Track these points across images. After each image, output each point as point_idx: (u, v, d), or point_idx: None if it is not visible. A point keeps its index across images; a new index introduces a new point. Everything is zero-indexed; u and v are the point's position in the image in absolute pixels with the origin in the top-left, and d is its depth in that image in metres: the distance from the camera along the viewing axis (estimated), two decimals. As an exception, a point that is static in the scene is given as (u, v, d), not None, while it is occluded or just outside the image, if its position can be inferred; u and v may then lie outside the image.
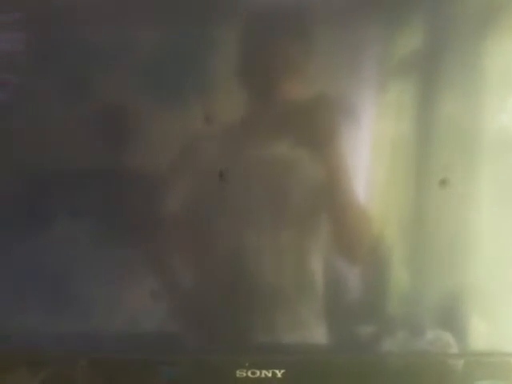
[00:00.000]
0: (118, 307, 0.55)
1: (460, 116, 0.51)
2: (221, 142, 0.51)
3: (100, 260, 0.53)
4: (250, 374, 0.53)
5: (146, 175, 0.52)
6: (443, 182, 0.51)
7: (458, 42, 0.50)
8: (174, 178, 0.52)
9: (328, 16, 0.49)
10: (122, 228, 0.53)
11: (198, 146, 0.51)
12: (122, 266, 0.54)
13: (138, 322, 0.54)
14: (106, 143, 0.51)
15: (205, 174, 0.52)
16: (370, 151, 0.52)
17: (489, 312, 0.56)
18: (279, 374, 0.53)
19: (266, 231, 0.53)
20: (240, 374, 0.53)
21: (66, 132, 0.51)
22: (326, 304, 0.55)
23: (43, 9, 0.49)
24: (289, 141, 0.51)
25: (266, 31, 0.50)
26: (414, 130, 0.52)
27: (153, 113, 0.50)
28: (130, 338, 0.55)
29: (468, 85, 0.50)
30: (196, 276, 0.55)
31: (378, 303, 0.55)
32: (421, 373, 0.55)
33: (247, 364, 0.53)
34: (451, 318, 0.55)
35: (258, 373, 0.53)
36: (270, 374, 0.53)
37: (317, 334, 0.55)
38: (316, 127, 0.51)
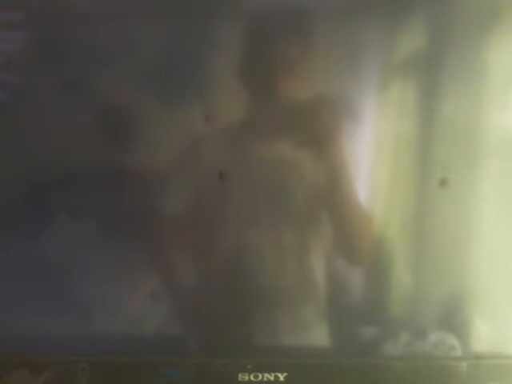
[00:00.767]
0: (119, 309, 0.54)
1: (460, 116, 0.51)
2: (221, 142, 0.51)
3: (100, 262, 0.53)
4: (252, 377, 0.53)
5: (147, 175, 0.52)
6: (443, 182, 0.51)
7: (458, 42, 0.49)
8: (175, 179, 0.52)
9: (329, 16, 0.49)
10: (122, 229, 0.53)
11: (199, 147, 0.51)
12: (123, 268, 0.54)
13: (139, 325, 0.54)
14: (107, 143, 0.51)
15: (205, 175, 0.52)
16: (370, 151, 0.52)
17: (492, 314, 0.56)
18: (282, 377, 0.53)
19: (266, 232, 0.53)
20: (242, 377, 0.53)
21: (67, 132, 0.51)
22: (329, 306, 0.55)
23: (43, 9, 0.49)
24: (290, 141, 0.51)
25: (267, 31, 0.50)
26: (415, 129, 0.52)
27: (153, 113, 0.50)
28: (130, 340, 0.55)
29: (468, 85, 0.50)
30: (197, 278, 0.55)
31: (380, 305, 0.55)
32: (424, 376, 0.55)
33: (249, 367, 0.53)
34: (454, 320, 0.55)
35: (260, 376, 0.53)
36: (272, 378, 0.53)
37: (319, 336, 0.55)
38: (317, 127, 0.51)
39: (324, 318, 0.55)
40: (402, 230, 0.54)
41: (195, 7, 0.49)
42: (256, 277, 0.54)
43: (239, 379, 0.53)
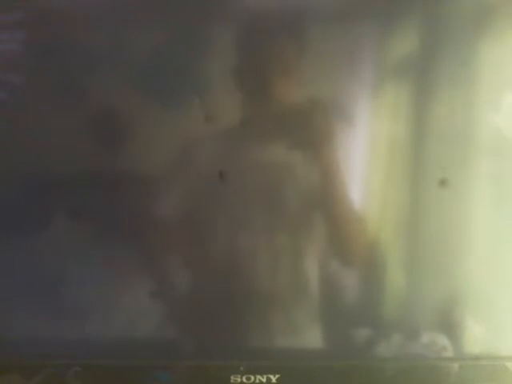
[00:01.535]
0: (112, 313, 0.54)
1: (457, 116, 0.51)
2: (220, 142, 0.51)
3: (94, 266, 0.53)
4: (244, 379, 0.53)
5: (145, 177, 0.52)
6: (442, 183, 0.51)
7: (454, 44, 0.50)
8: (174, 180, 0.52)
9: (325, 19, 0.49)
10: (118, 231, 0.53)
11: (198, 147, 0.51)
12: (116, 272, 0.54)
13: (132, 328, 0.54)
14: (106, 144, 0.51)
15: (204, 175, 0.52)
16: (368, 153, 0.52)
17: (484, 315, 0.56)
18: (274, 379, 0.53)
19: (262, 233, 0.53)
20: (234, 379, 0.53)
21: (66, 132, 0.51)
22: (322, 308, 0.55)
23: (43, 9, 0.49)
24: (288, 142, 0.51)
25: (264, 33, 0.50)
26: (413, 131, 0.52)
27: (152, 114, 0.50)
28: (123, 343, 0.55)
29: (465, 85, 0.51)
30: (190, 280, 0.55)
31: (372, 307, 0.55)
32: (416, 377, 0.55)
33: (242, 369, 0.53)
34: (446, 321, 0.55)
35: (252, 378, 0.53)
36: (264, 380, 0.53)
37: (312, 338, 0.55)
38: (315, 129, 0.51)
39: (317, 319, 0.55)
40: (396, 231, 0.54)
41: (193, 9, 0.49)
42: (250, 279, 0.54)
43: (231, 381, 0.53)
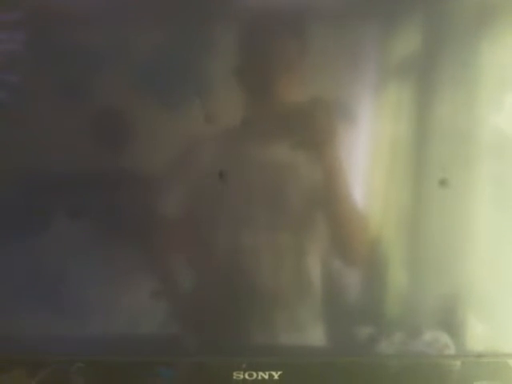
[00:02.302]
0: (115, 309, 0.54)
1: (458, 116, 0.51)
2: (221, 142, 0.51)
3: (96, 263, 0.53)
4: (247, 375, 0.53)
5: (146, 176, 0.52)
6: (443, 183, 0.51)
7: (456, 43, 0.50)
8: (175, 179, 0.52)
9: (327, 19, 0.49)
10: (120, 230, 0.53)
11: (199, 146, 0.51)
12: (119, 269, 0.54)
13: (135, 324, 0.54)
14: (107, 143, 0.51)
15: (205, 174, 0.52)
16: (370, 152, 0.52)
17: (486, 313, 0.56)
18: (276, 375, 0.53)
19: (264, 232, 0.53)
20: (237, 375, 0.53)
21: (66, 133, 0.51)
22: (324, 306, 0.55)
23: (43, 9, 0.49)
24: (289, 141, 0.51)
25: (266, 33, 0.50)
26: (413, 131, 0.52)
27: (153, 113, 0.50)
28: (126, 339, 0.55)
29: (467, 85, 0.51)
30: (193, 277, 0.55)
31: (375, 305, 0.55)
32: (419, 374, 0.55)
33: (244, 366, 0.53)
34: (448, 319, 0.55)
35: (254, 375, 0.53)
36: (266, 376, 0.53)
37: (314, 335, 0.55)
38: (316, 128, 0.51)
39: (319, 317, 0.55)
40: (397, 230, 0.54)
41: (194, 8, 0.49)
42: (252, 276, 0.54)
43: (234, 378, 0.53)
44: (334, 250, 0.54)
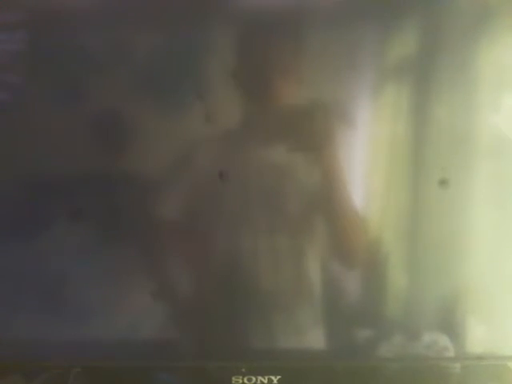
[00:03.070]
0: (113, 314, 0.54)
1: (458, 116, 0.51)
2: (221, 142, 0.51)
3: (94, 267, 0.53)
4: (246, 380, 0.53)
5: (146, 177, 0.52)
6: (442, 183, 0.51)
7: (455, 44, 0.50)
8: (175, 180, 0.52)
9: (326, 20, 0.50)
10: (120, 230, 0.53)
11: (199, 147, 0.51)
12: (117, 273, 0.54)
13: (133, 329, 0.54)
14: (107, 144, 0.51)
15: (205, 175, 0.52)
16: (369, 153, 0.52)
17: (486, 315, 0.56)
18: (275, 380, 0.53)
19: (264, 233, 0.53)
20: (236, 380, 0.53)
21: (66, 134, 0.51)
22: (323, 309, 0.55)
23: (43, 9, 0.49)
24: (289, 143, 0.51)
25: (265, 34, 0.50)
26: (413, 131, 0.52)
27: (153, 114, 0.50)
28: (124, 345, 0.55)
29: (466, 86, 0.50)
30: (192, 281, 0.55)
31: (375, 308, 0.55)
32: (418, 377, 0.55)
33: (243, 370, 0.53)
34: (448, 321, 0.55)
35: (253, 379, 0.53)
36: (265, 381, 0.53)
37: (313, 339, 0.55)
38: (315, 129, 0.51)
39: (318, 320, 0.55)
40: (397, 232, 0.54)
41: (194, 10, 0.49)
42: (251, 280, 0.54)
43: (233, 382, 0.53)
44: (334, 253, 0.54)
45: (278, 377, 0.53)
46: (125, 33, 0.50)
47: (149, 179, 0.52)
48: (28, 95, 0.51)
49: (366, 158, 0.52)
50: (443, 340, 0.55)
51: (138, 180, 0.51)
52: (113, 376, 0.55)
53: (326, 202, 0.53)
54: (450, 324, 0.55)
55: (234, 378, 0.53)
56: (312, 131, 0.51)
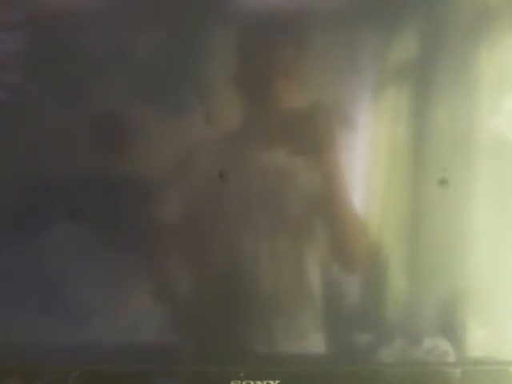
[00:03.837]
0: (112, 318, 0.54)
1: (458, 117, 0.51)
2: (221, 143, 0.51)
3: (96, 269, 0.53)
4: (244, 384, 0.53)
5: (146, 178, 0.52)
6: (442, 183, 0.51)
7: (455, 46, 0.50)
8: (175, 181, 0.52)
9: (327, 22, 0.50)
10: (120, 231, 0.53)
11: (199, 148, 0.51)
12: (117, 277, 0.53)
13: (132, 333, 0.54)
14: (107, 145, 0.51)
15: (205, 176, 0.52)
16: (369, 154, 0.52)
17: (486, 320, 0.55)
18: (274, 384, 0.53)
19: (264, 235, 0.53)
20: (234, 384, 0.53)
21: (67, 134, 0.51)
22: (323, 313, 0.55)
23: (43, 9, 0.49)
24: (289, 145, 0.51)
25: (266, 36, 0.50)
26: (413, 131, 0.52)
27: (154, 115, 0.50)
28: (123, 349, 0.54)
29: (466, 87, 0.50)
30: (192, 285, 0.55)
31: (375, 312, 0.55)
32: (419, 382, 0.55)
33: (242, 375, 0.53)
34: (449, 326, 0.55)
35: (252, 384, 0.53)
36: (264, 385, 0.53)
37: (313, 343, 0.55)
38: (315, 131, 0.51)
39: (318, 324, 0.55)
40: (397, 233, 0.54)
41: (195, 11, 0.49)
42: (251, 284, 0.53)
43: (232, 387, 0.53)
44: (334, 255, 0.54)
45: (277, 381, 0.53)
46: (125, 33, 0.50)
47: (149, 180, 0.52)
48: (28, 95, 0.51)
49: (366, 160, 0.52)
50: (444, 344, 0.54)
51: (137, 181, 0.51)
52: (112, 380, 0.55)
53: (327, 205, 0.53)
54: (451, 328, 0.55)
55: (232, 383, 0.53)
56: (312, 133, 0.51)
